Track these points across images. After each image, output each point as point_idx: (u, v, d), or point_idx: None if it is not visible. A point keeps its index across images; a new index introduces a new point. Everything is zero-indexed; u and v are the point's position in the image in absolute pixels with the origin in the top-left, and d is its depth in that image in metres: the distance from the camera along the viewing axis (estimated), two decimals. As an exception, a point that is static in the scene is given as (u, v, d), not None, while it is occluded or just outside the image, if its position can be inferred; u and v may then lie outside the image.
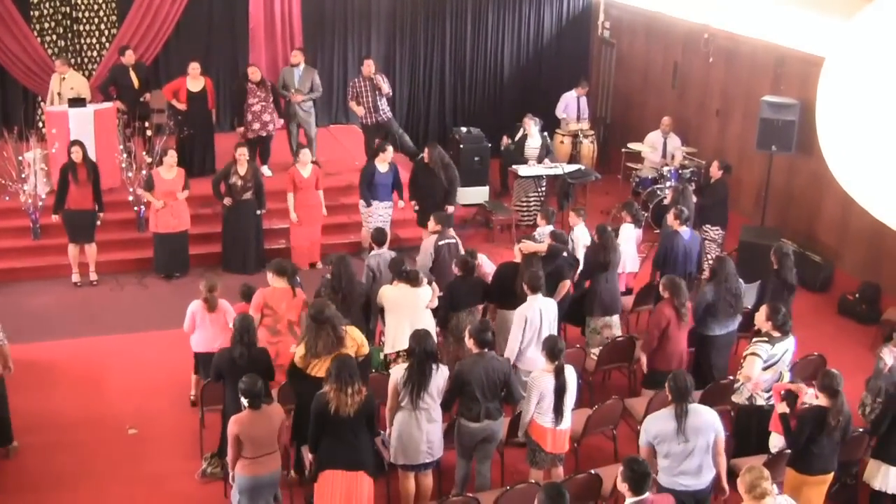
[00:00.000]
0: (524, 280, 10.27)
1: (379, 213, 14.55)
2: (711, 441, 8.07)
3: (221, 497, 9.44)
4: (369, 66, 16.31)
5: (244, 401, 8.11)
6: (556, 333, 10.11)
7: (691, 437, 7.93)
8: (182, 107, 15.73)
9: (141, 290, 14.07)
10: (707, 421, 8.04)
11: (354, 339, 9.20)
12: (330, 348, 8.88)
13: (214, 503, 9.46)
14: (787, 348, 9.42)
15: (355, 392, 7.99)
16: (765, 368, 9.34)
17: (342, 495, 8.14)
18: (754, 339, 9.59)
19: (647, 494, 6.83)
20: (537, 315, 10.06)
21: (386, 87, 16.37)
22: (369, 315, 10.83)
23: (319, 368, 8.83)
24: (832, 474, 8.60)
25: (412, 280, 10.40)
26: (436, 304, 10.70)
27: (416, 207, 14.65)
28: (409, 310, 10.31)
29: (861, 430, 9.14)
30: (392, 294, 10.43)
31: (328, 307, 9.10)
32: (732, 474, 9.11)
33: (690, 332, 10.58)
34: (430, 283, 10.69)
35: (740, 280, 10.77)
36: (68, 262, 14.02)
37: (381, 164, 14.45)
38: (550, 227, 12.64)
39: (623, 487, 6.85)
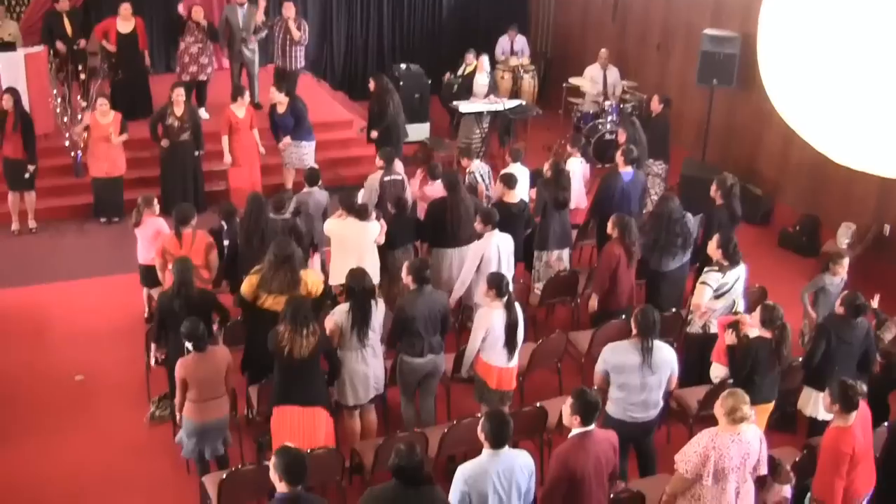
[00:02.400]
0: (479, 216, 10.30)
1: (291, 151, 14.36)
2: (666, 378, 8.18)
3: (170, 440, 9.41)
4: (288, 9, 15.97)
5: (188, 344, 8.10)
6: (512, 269, 10.28)
7: (655, 372, 8.04)
8: (112, 48, 15.43)
9: (81, 236, 13.90)
10: (666, 358, 8.14)
11: (306, 284, 9.17)
12: (284, 289, 8.88)
13: (163, 446, 9.45)
14: (738, 276, 9.60)
15: (310, 333, 8.04)
16: (717, 297, 9.49)
17: (301, 431, 8.21)
18: (706, 269, 9.72)
19: (593, 426, 6.85)
20: (494, 251, 10.11)
21: (297, 33, 15.90)
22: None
23: (271, 304, 8.87)
24: (773, 403, 8.75)
25: (361, 213, 10.35)
26: (383, 239, 10.68)
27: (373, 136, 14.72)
28: (356, 244, 10.31)
29: (800, 359, 9.28)
30: (338, 228, 10.39)
31: (291, 247, 9.09)
32: (679, 406, 9.31)
33: (641, 267, 10.67)
34: (378, 219, 10.64)
35: (687, 214, 10.83)
36: (6, 210, 13.78)
37: (280, 106, 14.18)
38: (477, 163, 12.66)
39: (573, 420, 6.83)
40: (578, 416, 6.80)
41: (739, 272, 9.63)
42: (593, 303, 10.52)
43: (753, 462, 7.02)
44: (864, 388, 7.40)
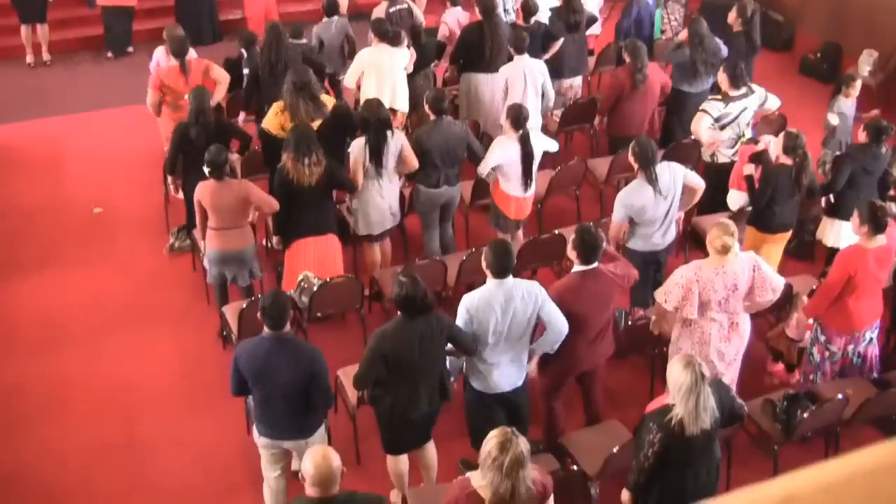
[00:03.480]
0: (510, 42, 10.16)
1: None
2: (679, 194, 8.11)
3: (190, 270, 9.54)
4: None
5: (206, 170, 8.07)
6: (545, 95, 10.21)
7: (668, 196, 8.00)
8: None
9: (95, 67, 13.82)
10: (671, 179, 8.03)
11: (327, 106, 9.11)
12: (311, 114, 8.82)
13: (183, 276, 9.58)
14: (744, 107, 9.45)
15: (313, 163, 8.00)
16: (722, 127, 9.40)
17: (314, 259, 8.33)
18: (709, 97, 9.61)
19: (596, 263, 6.81)
20: (521, 76, 10.00)
21: None
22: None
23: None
24: (791, 232, 8.77)
25: (394, 40, 10.19)
26: (412, 67, 10.55)
27: None
28: (390, 71, 10.18)
29: (820, 187, 9.23)
30: (373, 56, 10.24)
31: (309, 74, 8.99)
32: (694, 232, 9.34)
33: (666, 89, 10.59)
34: (408, 47, 10.49)
35: (717, 39, 10.65)
36: (20, 43, 13.65)
37: None
38: None
39: (572, 255, 6.84)
40: (576, 253, 6.80)
41: (748, 103, 9.46)
42: (596, 123, 10.71)
43: (743, 292, 6.94)
44: (895, 209, 7.35)
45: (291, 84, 8.86)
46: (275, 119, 8.99)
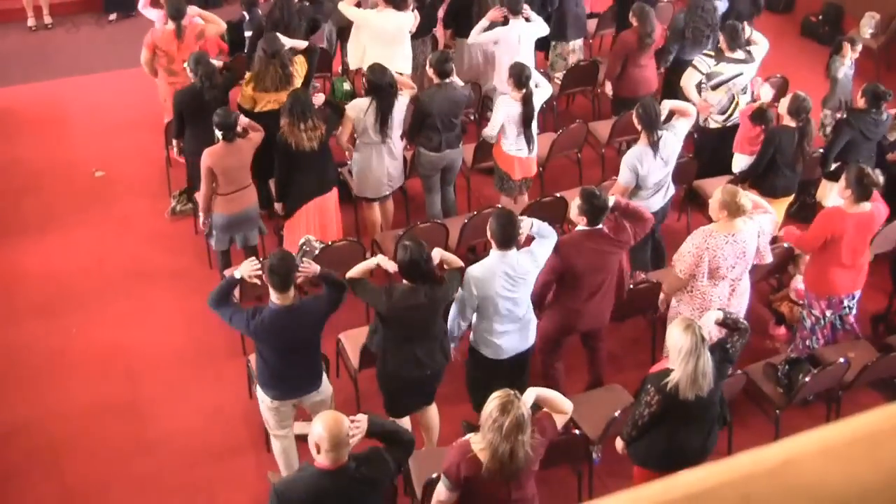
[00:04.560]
0: (504, 3, 10.03)
1: None
2: (674, 164, 8.13)
3: (192, 234, 9.53)
4: None
5: (218, 133, 8.03)
6: (531, 59, 10.04)
7: (668, 162, 8.00)
8: None
9: (97, 30, 13.72)
10: (673, 146, 8.04)
11: (300, 76, 9.06)
12: (277, 84, 8.77)
13: (185, 240, 9.57)
14: (740, 71, 9.35)
15: (309, 128, 7.99)
16: (714, 87, 9.37)
17: (313, 225, 8.37)
18: (701, 53, 9.60)
19: (601, 225, 6.83)
20: (515, 39, 9.91)
21: None
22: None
23: (270, 106, 8.76)
24: (793, 196, 8.79)
25: (399, 4, 10.12)
26: (415, 29, 10.45)
27: None
28: (395, 35, 10.08)
29: (821, 150, 9.21)
30: (378, 19, 10.09)
31: (279, 42, 8.92)
32: (696, 195, 9.34)
33: (663, 55, 10.52)
34: (413, 10, 10.41)
35: (716, 4, 10.58)
36: (21, 5, 13.56)
37: None
38: None
39: (580, 219, 6.83)
40: (585, 218, 6.80)
41: (744, 69, 9.37)
42: (607, 89, 10.49)
43: (751, 260, 6.98)
44: (881, 179, 7.34)
45: (262, 51, 8.81)
46: (245, 91, 8.94)
